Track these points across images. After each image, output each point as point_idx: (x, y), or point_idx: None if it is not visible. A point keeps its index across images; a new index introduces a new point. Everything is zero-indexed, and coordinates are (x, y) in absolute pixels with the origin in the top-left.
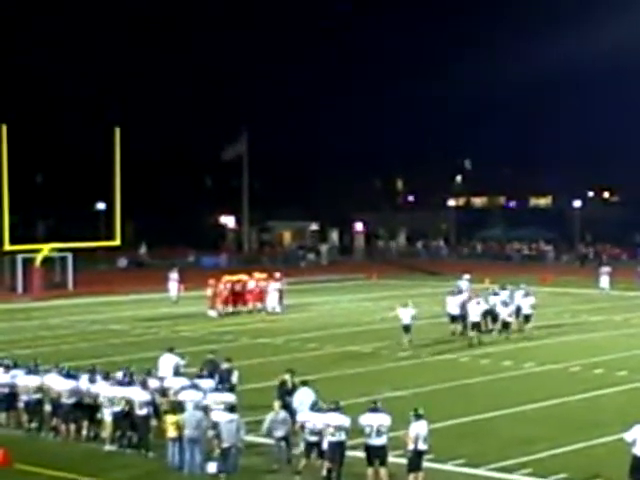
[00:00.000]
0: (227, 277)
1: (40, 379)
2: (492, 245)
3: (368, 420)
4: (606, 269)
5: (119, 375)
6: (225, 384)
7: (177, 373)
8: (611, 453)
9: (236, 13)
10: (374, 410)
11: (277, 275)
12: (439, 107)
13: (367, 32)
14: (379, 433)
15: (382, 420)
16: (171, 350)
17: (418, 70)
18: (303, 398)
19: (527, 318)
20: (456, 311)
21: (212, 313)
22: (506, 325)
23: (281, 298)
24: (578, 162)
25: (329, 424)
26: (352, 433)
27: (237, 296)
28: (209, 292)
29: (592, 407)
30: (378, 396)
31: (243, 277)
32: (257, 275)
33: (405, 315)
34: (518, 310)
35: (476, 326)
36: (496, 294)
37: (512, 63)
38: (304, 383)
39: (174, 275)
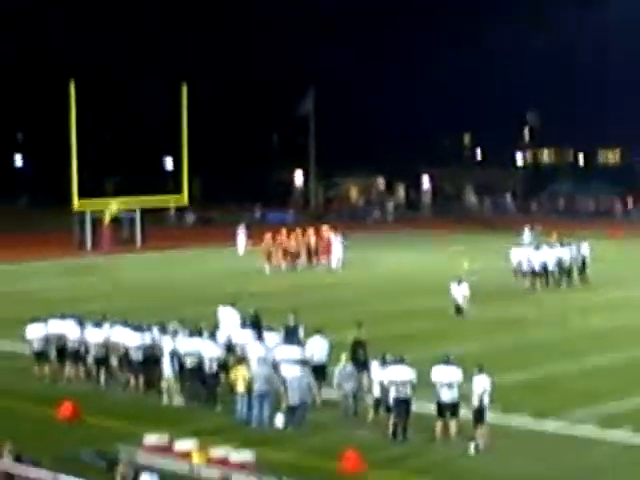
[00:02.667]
0: (284, 233)
1: (108, 334)
2: (560, 200)
3: (439, 374)
4: None
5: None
6: (292, 338)
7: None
8: None
9: None
10: (446, 363)
11: (338, 232)
12: (506, 60)
13: None
14: (450, 387)
15: (453, 374)
16: (233, 305)
17: (483, 23)
18: (315, 346)
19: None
20: (522, 264)
21: (267, 268)
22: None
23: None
24: None
25: (394, 380)
26: (420, 387)
27: (298, 251)
28: (265, 247)
29: None
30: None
31: (305, 232)
32: (321, 230)
33: (458, 293)
34: (583, 262)
35: (540, 276)
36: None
37: (583, 14)
38: (317, 331)
39: (242, 230)
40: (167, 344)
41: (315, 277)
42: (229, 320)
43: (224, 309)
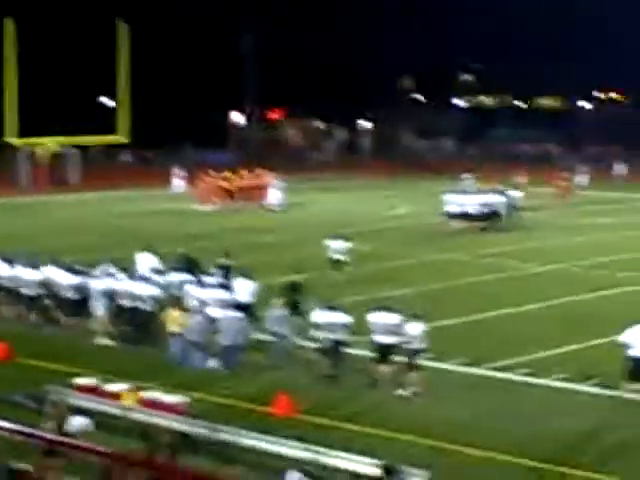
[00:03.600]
0: (219, 174)
1: (42, 273)
2: (499, 146)
3: (376, 318)
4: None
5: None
6: (224, 280)
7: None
8: (610, 354)
9: None
10: (383, 309)
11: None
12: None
13: None
14: (387, 332)
15: (390, 319)
16: (150, 250)
17: None
18: (241, 287)
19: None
20: (455, 209)
21: (203, 208)
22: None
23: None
24: (590, 62)
25: (329, 322)
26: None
27: (234, 192)
28: (202, 187)
29: (593, 308)
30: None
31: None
32: (256, 172)
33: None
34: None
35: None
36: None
37: None
38: (243, 273)
39: (177, 170)
40: (99, 284)
41: (253, 218)
42: (146, 266)
43: (142, 255)
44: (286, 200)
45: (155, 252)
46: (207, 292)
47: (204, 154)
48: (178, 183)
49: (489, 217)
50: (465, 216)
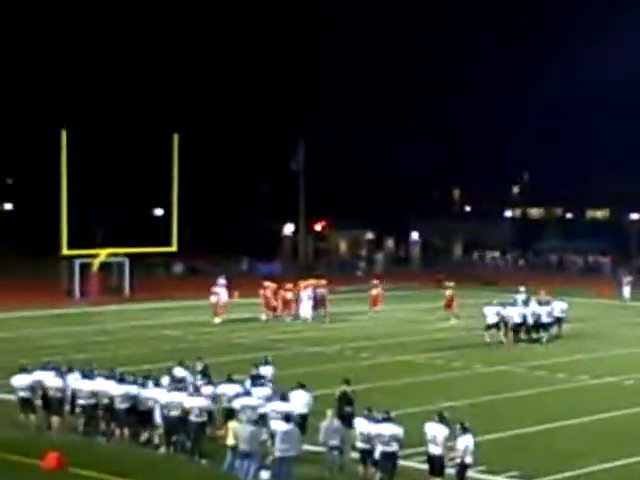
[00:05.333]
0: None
1: (94, 383)
2: (548, 257)
3: (430, 429)
4: None
5: (165, 380)
6: (278, 392)
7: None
8: None
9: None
10: (438, 420)
11: (321, 282)
12: (499, 119)
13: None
14: (437, 443)
15: (441, 431)
16: (180, 364)
17: (479, 81)
18: (297, 399)
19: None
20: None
21: (263, 317)
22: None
23: (324, 306)
24: (635, 174)
25: (381, 433)
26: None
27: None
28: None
29: None
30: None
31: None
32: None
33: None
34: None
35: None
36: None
37: (572, 76)
38: (302, 386)
39: (222, 281)
40: (153, 395)
41: (305, 329)
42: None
43: (179, 369)
44: (333, 311)
45: (186, 366)
46: (262, 403)
47: (254, 264)
48: (223, 294)
49: (536, 328)
50: (507, 326)
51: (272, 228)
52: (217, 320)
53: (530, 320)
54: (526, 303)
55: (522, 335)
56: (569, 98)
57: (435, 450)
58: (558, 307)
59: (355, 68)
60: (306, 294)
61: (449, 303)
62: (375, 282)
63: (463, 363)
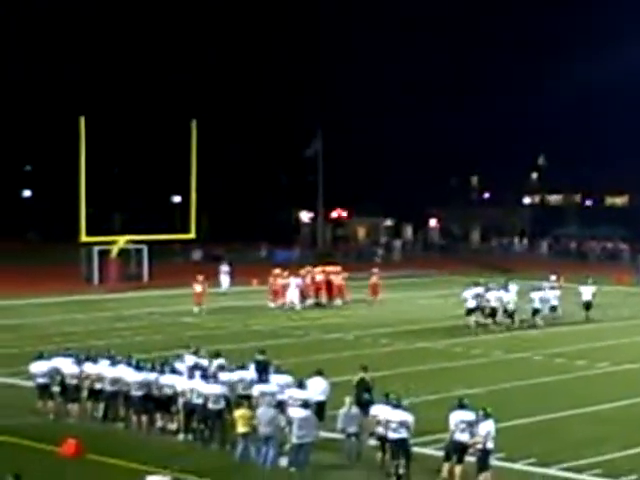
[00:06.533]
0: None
1: (116, 370)
2: (567, 243)
3: (453, 416)
4: None
5: (182, 367)
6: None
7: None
8: None
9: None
10: (462, 407)
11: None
12: (516, 105)
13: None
14: (463, 430)
15: (467, 416)
16: (195, 352)
17: (498, 73)
18: (316, 387)
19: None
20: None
21: (271, 305)
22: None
23: (340, 293)
24: None
25: (391, 419)
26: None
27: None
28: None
29: None
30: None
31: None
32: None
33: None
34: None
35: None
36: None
37: (590, 63)
38: (319, 373)
39: (225, 268)
40: (172, 381)
41: (322, 316)
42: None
43: (185, 355)
44: (354, 298)
45: (197, 353)
46: (280, 390)
47: (272, 251)
48: (225, 279)
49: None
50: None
51: (291, 215)
52: (196, 310)
53: (511, 306)
54: (506, 288)
55: (499, 318)
56: (586, 85)
57: (461, 437)
58: (588, 291)
59: (372, 58)
60: (295, 281)
61: None
62: (374, 270)
63: (482, 350)
